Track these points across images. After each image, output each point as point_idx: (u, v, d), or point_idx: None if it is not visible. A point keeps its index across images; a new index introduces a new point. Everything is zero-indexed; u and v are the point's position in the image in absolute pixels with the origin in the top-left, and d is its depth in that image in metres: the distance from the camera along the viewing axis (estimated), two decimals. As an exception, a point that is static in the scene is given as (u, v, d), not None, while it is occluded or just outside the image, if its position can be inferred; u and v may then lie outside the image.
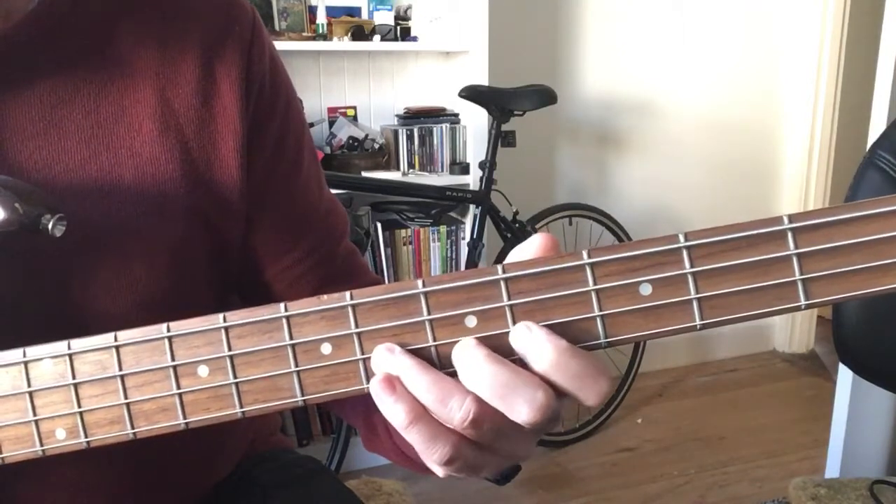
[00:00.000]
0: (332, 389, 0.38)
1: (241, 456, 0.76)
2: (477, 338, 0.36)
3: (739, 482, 2.11)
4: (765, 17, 2.78)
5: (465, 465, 0.38)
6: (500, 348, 0.36)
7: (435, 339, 0.37)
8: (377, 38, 2.16)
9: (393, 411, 0.36)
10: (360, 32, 2.15)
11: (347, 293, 0.37)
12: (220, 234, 0.61)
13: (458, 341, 0.37)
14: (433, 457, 0.37)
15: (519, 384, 0.35)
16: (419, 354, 0.37)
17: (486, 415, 0.36)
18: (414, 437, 0.37)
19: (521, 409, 0.35)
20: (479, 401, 0.36)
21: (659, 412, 2.55)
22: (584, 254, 0.35)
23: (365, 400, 0.58)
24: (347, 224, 0.71)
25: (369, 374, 0.38)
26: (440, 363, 0.37)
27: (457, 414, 0.35)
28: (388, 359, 0.37)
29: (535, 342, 0.35)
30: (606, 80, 2.61)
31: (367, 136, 2.23)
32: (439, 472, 0.40)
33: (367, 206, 2.13)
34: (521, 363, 0.36)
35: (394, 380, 0.36)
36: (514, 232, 2.12)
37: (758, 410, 2.55)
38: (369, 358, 0.37)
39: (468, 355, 0.36)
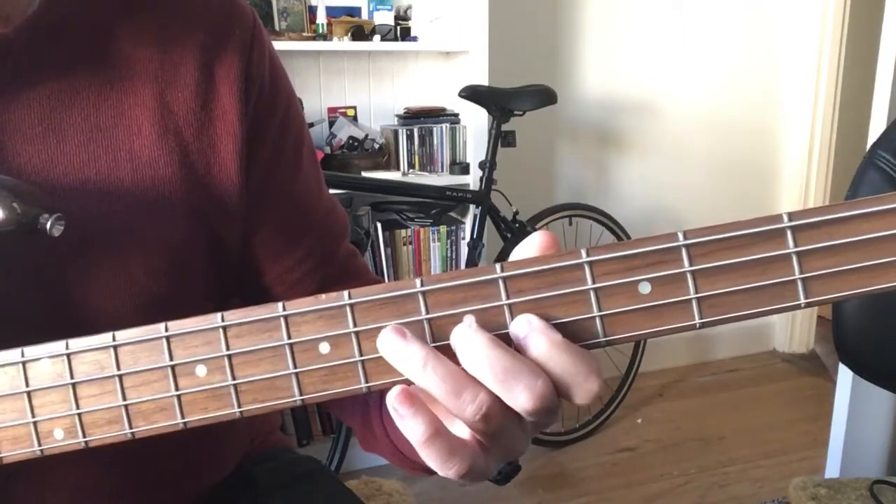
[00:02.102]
0: (331, 389, 0.38)
1: (241, 456, 0.76)
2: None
3: (739, 482, 2.11)
4: (765, 17, 2.78)
5: (478, 474, 0.38)
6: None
7: (433, 339, 0.37)
8: (377, 38, 2.16)
9: (411, 426, 0.36)
10: (360, 32, 2.15)
11: (345, 292, 0.37)
12: (220, 236, 0.61)
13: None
14: (449, 472, 0.37)
15: (521, 370, 0.35)
16: None
17: (495, 408, 0.36)
18: (431, 454, 0.36)
19: (521, 395, 0.35)
20: (491, 393, 0.35)
21: (659, 412, 2.55)
22: (583, 252, 0.35)
23: (362, 399, 0.58)
24: (347, 225, 0.71)
25: (367, 374, 0.37)
26: None
27: (470, 406, 0.35)
28: (400, 345, 0.36)
29: (531, 333, 0.35)
30: (606, 80, 2.61)
31: (367, 136, 2.23)
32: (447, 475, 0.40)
33: (367, 206, 2.13)
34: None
35: (411, 392, 0.36)
36: (514, 232, 2.12)
37: (758, 410, 2.55)
38: (368, 358, 0.37)
39: (470, 339, 0.35)
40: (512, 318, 0.36)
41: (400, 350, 0.36)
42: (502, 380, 0.35)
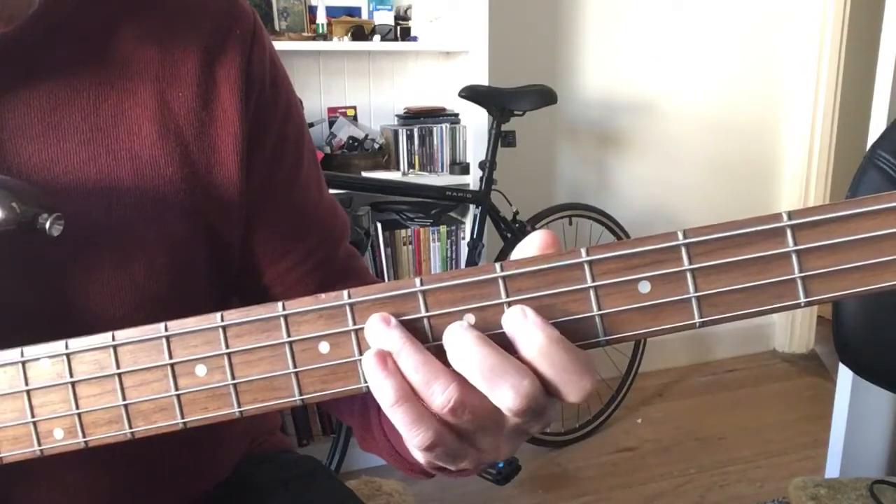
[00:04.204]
0: (331, 388, 0.38)
1: (241, 456, 0.76)
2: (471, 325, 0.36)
3: (739, 482, 2.11)
4: (765, 17, 2.78)
5: (445, 453, 0.38)
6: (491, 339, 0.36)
7: (433, 338, 0.37)
8: (377, 38, 2.16)
9: (381, 387, 0.36)
10: (360, 32, 2.14)
11: (345, 292, 0.37)
12: (220, 236, 0.61)
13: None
14: (415, 440, 0.37)
15: (507, 369, 0.35)
16: None
17: (466, 403, 0.36)
18: (398, 418, 0.37)
19: (507, 394, 0.35)
20: (463, 389, 0.36)
21: (659, 412, 2.55)
22: (583, 251, 0.35)
23: (362, 399, 0.58)
24: (347, 227, 0.71)
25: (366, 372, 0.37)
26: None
27: (438, 398, 0.36)
28: (382, 330, 0.37)
29: (526, 327, 0.35)
30: (606, 80, 2.61)
31: (367, 136, 2.23)
32: (419, 456, 0.40)
33: (367, 206, 2.13)
34: (510, 351, 0.36)
35: (387, 356, 0.36)
36: (514, 232, 2.12)
37: (758, 410, 2.55)
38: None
39: (458, 336, 0.36)
40: (511, 317, 0.36)
41: (380, 335, 0.36)
42: (488, 377, 0.35)
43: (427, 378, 0.36)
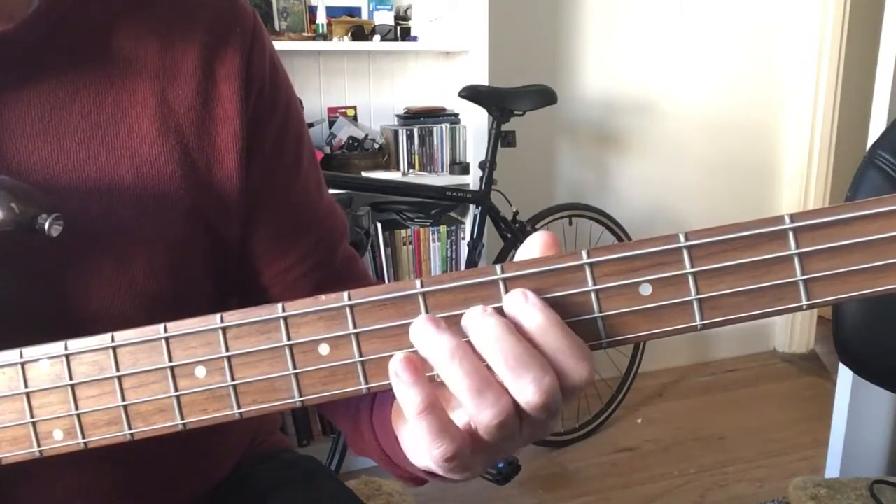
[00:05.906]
0: (330, 390, 0.38)
1: (240, 456, 0.76)
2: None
3: (739, 482, 2.11)
4: (765, 17, 2.78)
5: (461, 464, 0.37)
6: None
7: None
8: (377, 38, 2.16)
9: (408, 395, 0.35)
10: (360, 32, 2.14)
11: (345, 293, 0.37)
12: (219, 235, 0.61)
13: None
14: (436, 451, 0.36)
15: (532, 362, 0.34)
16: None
17: (514, 416, 0.35)
18: (422, 428, 0.36)
19: (528, 387, 0.34)
20: (515, 401, 0.35)
21: (659, 412, 2.55)
22: (584, 254, 0.35)
23: (355, 401, 0.58)
24: (347, 228, 0.71)
25: (367, 375, 0.37)
26: None
27: (490, 409, 0.34)
28: (430, 332, 0.35)
29: (527, 309, 0.35)
30: (606, 80, 2.61)
31: (367, 136, 2.23)
32: (421, 462, 0.39)
33: (367, 206, 2.13)
34: None
35: (416, 361, 0.35)
36: (514, 232, 2.12)
37: (758, 410, 2.55)
38: (368, 359, 0.37)
39: (486, 322, 0.35)
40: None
41: (431, 338, 0.35)
42: (513, 367, 0.34)
43: (479, 386, 0.34)
